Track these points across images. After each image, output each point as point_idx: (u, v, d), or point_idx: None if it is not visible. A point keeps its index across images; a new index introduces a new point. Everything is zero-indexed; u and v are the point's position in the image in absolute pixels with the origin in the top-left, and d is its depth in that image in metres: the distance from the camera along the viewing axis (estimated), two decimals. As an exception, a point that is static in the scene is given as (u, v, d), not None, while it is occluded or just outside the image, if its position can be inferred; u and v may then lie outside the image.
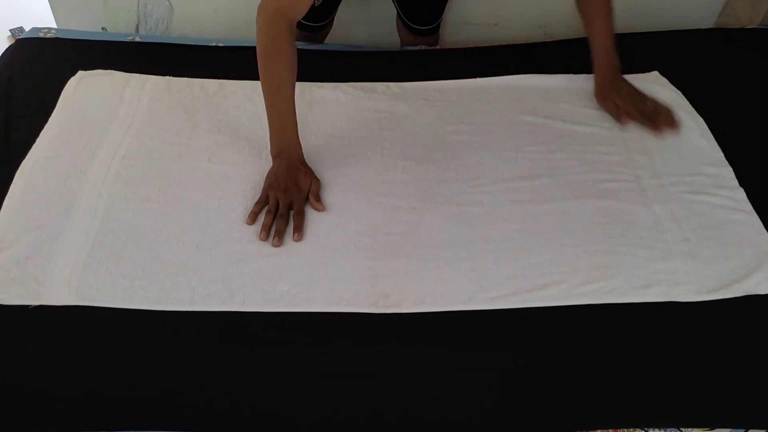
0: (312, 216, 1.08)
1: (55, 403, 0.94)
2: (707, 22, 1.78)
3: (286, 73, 1.12)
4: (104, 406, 0.94)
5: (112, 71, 1.36)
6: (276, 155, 1.13)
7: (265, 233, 1.04)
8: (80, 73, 1.34)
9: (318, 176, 1.13)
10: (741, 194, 1.12)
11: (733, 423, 0.98)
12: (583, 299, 0.98)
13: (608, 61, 1.28)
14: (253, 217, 1.07)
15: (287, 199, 1.07)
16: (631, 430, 0.97)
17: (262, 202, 1.09)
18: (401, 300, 0.97)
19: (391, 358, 0.93)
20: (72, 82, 1.32)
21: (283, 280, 0.99)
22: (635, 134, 1.24)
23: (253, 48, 1.49)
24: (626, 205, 1.11)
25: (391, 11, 1.64)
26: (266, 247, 1.03)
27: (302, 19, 1.59)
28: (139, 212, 1.07)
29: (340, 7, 1.58)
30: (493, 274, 1.01)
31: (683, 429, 0.98)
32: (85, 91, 1.30)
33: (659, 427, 0.98)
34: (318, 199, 1.10)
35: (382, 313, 0.96)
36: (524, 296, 0.98)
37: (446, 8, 1.61)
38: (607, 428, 0.97)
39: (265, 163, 1.17)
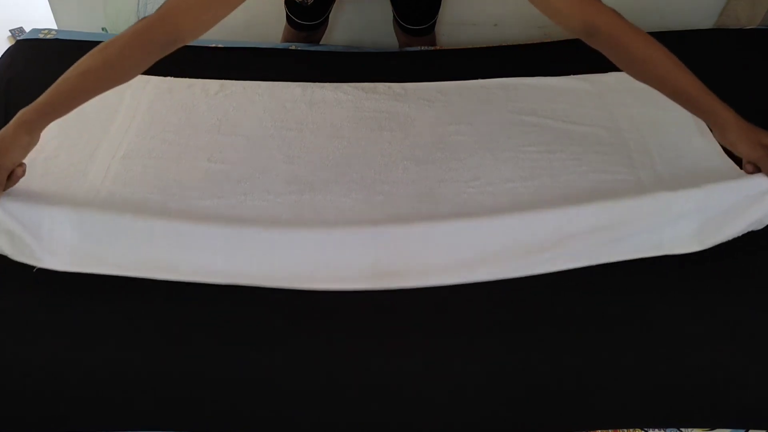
0: (311, 214, 1.08)
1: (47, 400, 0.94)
2: (707, 22, 1.78)
3: (118, 73, 1.01)
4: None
5: (113, 72, 1.36)
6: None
7: None
8: (81, 73, 1.34)
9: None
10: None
11: (733, 423, 0.98)
12: (590, 260, 1.01)
13: (726, 109, 1.03)
14: None
15: None
16: (631, 430, 0.97)
17: None
18: (405, 274, 0.99)
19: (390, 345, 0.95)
20: (73, 83, 1.32)
21: (285, 262, 1.00)
22: (635, 134, 1.24)
23: (253, 49, 1.51)
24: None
25: (389, 12, 1.65)
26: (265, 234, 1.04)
27: (298, 18, 1.61)
28: (137, 212, 1.07)
29: (340, 9, 1.59)
30: (496, 243, 1.02)
31: (683, 429, 0.98)
32: (86, 92, 1.30)
33: (659, 427, 0.98)
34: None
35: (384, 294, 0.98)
36: (527, 261, 1.00)
37: (447, 9, 1.61)
38: (607, 428, 0.97)
39: (266, 161, 1.17)
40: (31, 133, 0.98)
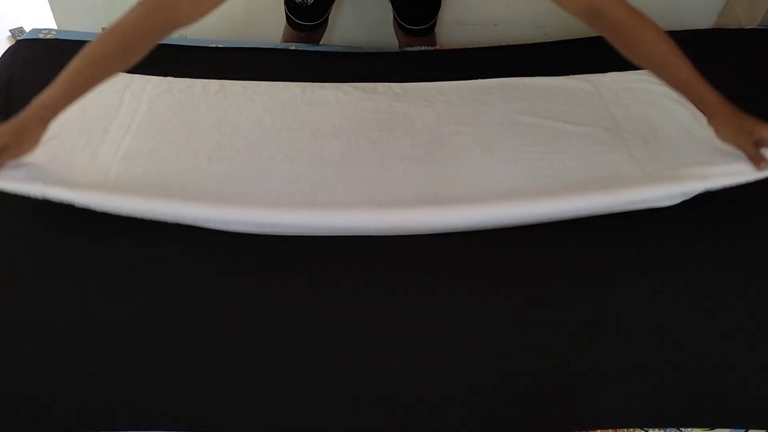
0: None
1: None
2: (707, 22, 1.78)
3: (126, 57, 1.02)
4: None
5: (114, 72, 1.36)
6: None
7: None
8: (81, 73, 1.35)
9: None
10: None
11: (733, 423, 0.98)
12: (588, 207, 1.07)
13: (714, 96, 1.07)
14: None
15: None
16: (631, 430, 0.97)
17: None
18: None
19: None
20: (73, 83, 1.32)
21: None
22: (634, 134, 1.24)
23: (253, 49, 1.51)
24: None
25: (389, 12, 1.65)
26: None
27: (298, 18, 1.61)
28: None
29: (340, 9, 1.59)
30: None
31: (683, 429, 0.98)
32: (86, 92, 1.30)
33: (659, 427, 0.98)
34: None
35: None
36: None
37: (446, 9, 1.61)
38: (607, 428, 0.97)
39: (266, 161, 1.17)
40: (45, 127, 1.04)
